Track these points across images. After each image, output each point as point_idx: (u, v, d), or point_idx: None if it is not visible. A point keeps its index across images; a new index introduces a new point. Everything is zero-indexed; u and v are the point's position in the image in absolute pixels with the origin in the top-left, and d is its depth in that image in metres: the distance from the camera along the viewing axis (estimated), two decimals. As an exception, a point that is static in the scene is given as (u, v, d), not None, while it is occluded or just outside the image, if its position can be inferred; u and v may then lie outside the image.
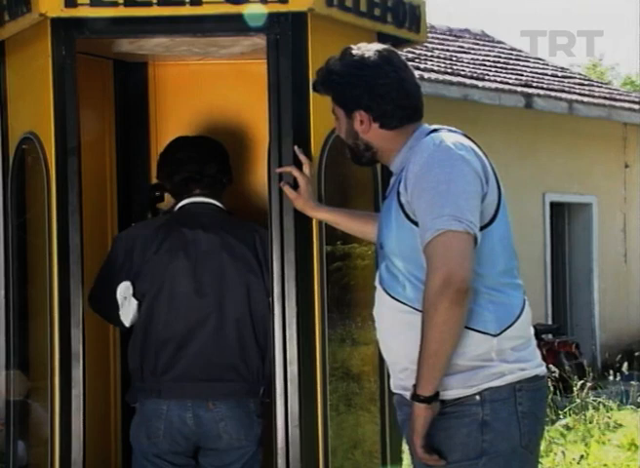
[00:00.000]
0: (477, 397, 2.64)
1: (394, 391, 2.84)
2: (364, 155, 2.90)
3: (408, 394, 2.71)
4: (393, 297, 2.73)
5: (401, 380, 2.77)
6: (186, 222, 3.66)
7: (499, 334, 2.64)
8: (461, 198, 2.60)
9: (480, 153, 2.74)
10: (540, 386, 2.77)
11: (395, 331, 2.74)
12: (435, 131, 2.79)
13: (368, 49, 2.84)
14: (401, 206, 2.70)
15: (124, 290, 3.58)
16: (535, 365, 2.74)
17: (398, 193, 2.72)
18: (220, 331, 3.56)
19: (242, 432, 3.56)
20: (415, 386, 2.62)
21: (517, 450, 2.68)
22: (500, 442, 2.65)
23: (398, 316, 2.72)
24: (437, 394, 2.61)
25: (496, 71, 11.94)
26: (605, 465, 6.80)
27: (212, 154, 3.74)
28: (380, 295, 2.80)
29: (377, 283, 2.82)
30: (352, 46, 2.87)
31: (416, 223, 2.66)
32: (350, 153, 2.94)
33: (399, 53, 2.90)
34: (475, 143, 2.78)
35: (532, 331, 2.80)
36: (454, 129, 2.81)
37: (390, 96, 2.80)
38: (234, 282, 3.58)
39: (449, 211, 2.57)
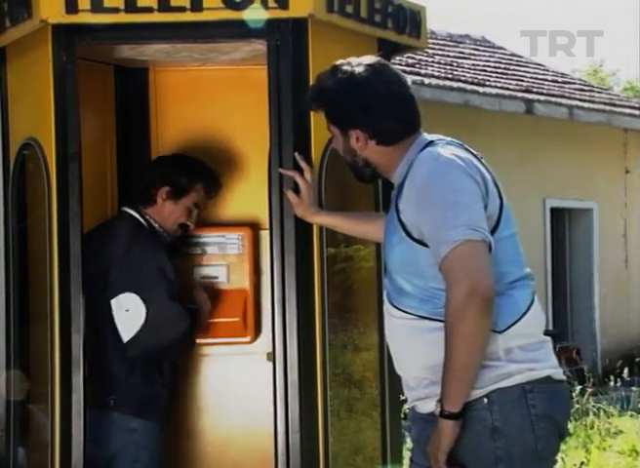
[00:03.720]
0: (485, 400, 2.60)
1: (409, 406, 2.79)
2: (364, 171, 2.86)
3: (419, 404, 2.70)
4: (398, 308, 2.71)
5: (412, 390, 2.74)
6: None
7: (504, 331, 2.60)
8: (472, 208, 2.57)
9: (479, 165, 2.70)
10: (558, 389, 2.70)
11: (402, 339, 2.72)
12: (431, 143, 2.75)
13: (358, 63, 2.78)
14: (401, 223, 2.67)
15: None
16: (546, 366, 2.68)
17: (397, 210, 2.69)
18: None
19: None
20: (441, 402, 2.57)
21: (533, 454, 2.62)
22: (513, 447, 2.60)
23: (404, 324, 2.70)
24: (464, 409, 2.57)
25: (496, 77, 11.95)
26: (606, 471, 6.79)
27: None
28: (386, 307, 2.78)
29: (384, 296, 2.81)
30: (342, 61, 2.81)
31: (418, 241, 2.63)
32: (351, 170, 2.90)
33: (390, 64, 2.84)
34: (473, 154, 2.74)
35: (543, 334, 2.72)
36: (451, 140, 2.77)
37: (384, 112, 2.75)
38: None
39: (462, 221, 2.54)
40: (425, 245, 2.62)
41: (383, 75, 2.78)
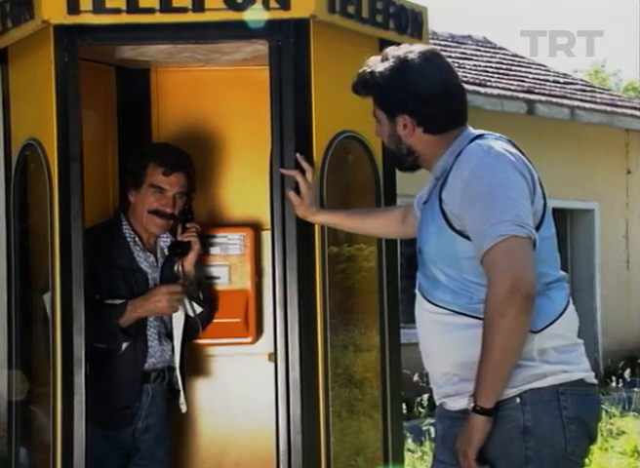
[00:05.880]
0: (517, 399, 2.58)
1: (437, 402, 2.78)
2: (407, 160, 2.84)
3: (448, 401, 2.69)
4: (431, 302, 2.69)
5: (440, 387, 2.73)
6: None
7: (539, 331, 2.58)
8: (519, 203, 2.56)
9: (527, 162, 2.70)
10: (590, 392, 2.69)
11: (434, 334, 2.70)
12: (481, 136, 2.74)
13: (410, 50, 2.77)
14: (443, 213, 2.65)
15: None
16: (580, 368, 2.68)
17: (440, 200, 2.67)
18: None
19: None
20: (474, 397, 2.55)
21: (563, 456, 2.60)
22: (543, 448, 2.58)
23: (437, 319, 2.68)
24: (496, 407, 2.55)
25: (498, 77, 11.95)
26: (608, 472, 6.79)
27: None
28: (418, 301, 2.76)
29: (416, 289, 2.78)
30: (394, 47, 2.81)
31: (459, 232, 2.62)
32: (393, 158, 2.89)
33: (442, 54, 2.83)
34: (521, 151, 2.73)
35: (577, 338, 2.72)
36: (500, 135, 2.76)
37: (434, 99, 2.74)
38: None
39: (510, 216, 2.52)
40: (465, 236, 2.61)
41: (435, 63, 2.77)
